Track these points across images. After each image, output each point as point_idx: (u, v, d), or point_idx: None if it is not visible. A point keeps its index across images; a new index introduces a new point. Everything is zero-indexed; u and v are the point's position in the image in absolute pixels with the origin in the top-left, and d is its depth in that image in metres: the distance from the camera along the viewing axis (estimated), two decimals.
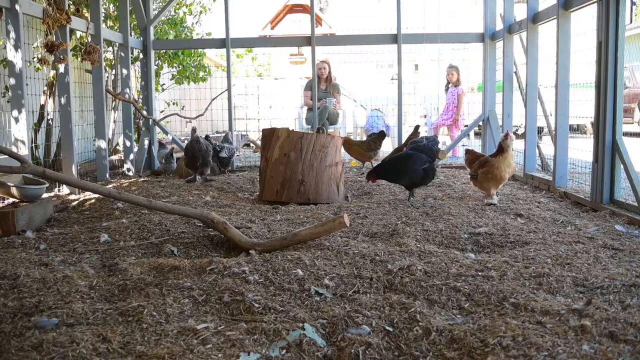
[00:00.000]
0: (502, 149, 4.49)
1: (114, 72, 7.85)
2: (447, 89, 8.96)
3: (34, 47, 5.93)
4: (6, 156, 3.96)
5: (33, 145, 6.01)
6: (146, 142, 7.49)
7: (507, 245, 3.29)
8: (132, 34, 7.57)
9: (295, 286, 2.54)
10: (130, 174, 6.96)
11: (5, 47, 4.95)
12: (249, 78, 15.30)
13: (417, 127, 6.82)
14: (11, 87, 4.81)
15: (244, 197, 5.15)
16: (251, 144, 10.55)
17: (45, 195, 4.68)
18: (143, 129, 7.65)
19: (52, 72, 6.06)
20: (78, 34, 6.57)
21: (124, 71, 7.20)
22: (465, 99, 8.82)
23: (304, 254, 2.94)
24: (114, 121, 7.91)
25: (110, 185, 5.58)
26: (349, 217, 3.44)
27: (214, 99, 8.87)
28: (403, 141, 6.78)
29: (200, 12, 9.71)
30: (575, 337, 1.93)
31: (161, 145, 7.44)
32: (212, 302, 2.38)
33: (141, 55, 7.72)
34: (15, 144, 4.81)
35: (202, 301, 2.39)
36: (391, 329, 2.10)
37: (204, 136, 6.09)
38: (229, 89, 7.65)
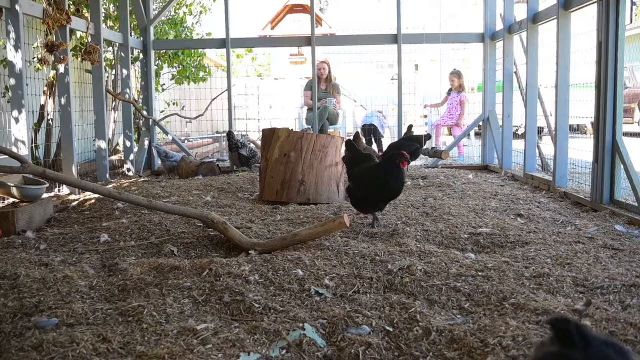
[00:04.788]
0: None
1: (114, 72, 7.85)
2: (449, 93, 9.02)
3: (34, 47, 5.93)
4: (6, 156, 3.96)
5: (33, 145, 6.01)
6: (146, 142, 7.49)
7: (507, 246, 3.29)
8: (132, 34, 7.57)
9: (295, 286, 2.53)
10: (130, 174, 6.95)
11: (5, 47, 4.95)
12: (249, 78, 15.28)
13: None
14: (11, 87, 4.81)
15: (244, 197, 5.15)
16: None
17: (45, 195, 4.68)
18: (143, 129, 7.64)
19: (52, 72, 6.06)
20: (78, 34, 6.57)
21: (124, 71, 7.20)
22: (467, 105, 8.86)
23: (304, 254, 2.94)
24: (114, 121, 7.91)
25: (110, 185, 5.58)
26: (349, 217, 3.43)
27: (214, 99, 8.87)
28: None
29: (200, 12, 9.73)
30: None
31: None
32: (212, 302, 2.38)
33: (141, 55, 7.71)
34: (15, 144, 4.81)
35: (202, 301, 2.39)
36: (391, 329, 2.10)
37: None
38: (229, 89, 7.64)
